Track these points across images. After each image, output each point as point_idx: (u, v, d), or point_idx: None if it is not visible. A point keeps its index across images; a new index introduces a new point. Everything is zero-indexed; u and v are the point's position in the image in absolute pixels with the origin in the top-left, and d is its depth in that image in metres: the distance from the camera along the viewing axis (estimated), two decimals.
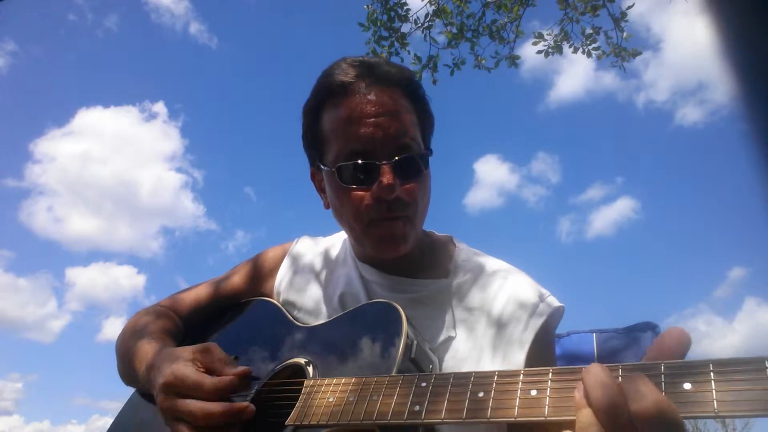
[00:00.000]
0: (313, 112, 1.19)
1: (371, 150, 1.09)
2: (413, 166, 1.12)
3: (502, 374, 0.74)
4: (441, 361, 1.06)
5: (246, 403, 0.93)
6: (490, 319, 1.11)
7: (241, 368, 0.97)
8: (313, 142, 1.21)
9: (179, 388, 0.93)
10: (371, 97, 1.11)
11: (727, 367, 0.59)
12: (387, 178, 1.07)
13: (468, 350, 1.09)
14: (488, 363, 1.07)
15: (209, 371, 0.98)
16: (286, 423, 0.91)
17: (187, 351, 1.01)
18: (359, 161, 1.09)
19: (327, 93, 1.16)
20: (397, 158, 1.09)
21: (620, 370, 0.64)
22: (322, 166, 1.17)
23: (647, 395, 0.58)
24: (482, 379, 0.75)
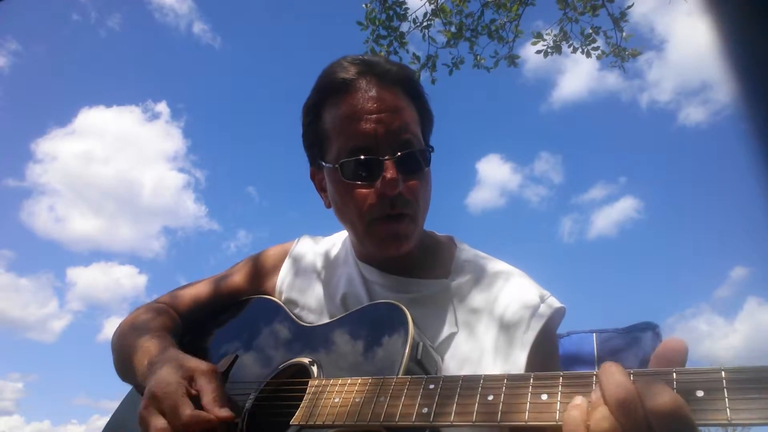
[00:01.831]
0: (313, 110, 1.19)
1: (374, 146, 1.09)
2: (415, 163, 1.12)
3: (512, 378, 0.74)
4: (442, 361, 1.05)
5: None
6: (492, 320, 1.11)
7: (225, 412, 0.92)
8: (314, 141, 1.20)
9: (160, 406, 0.93)
10: (372, 94, 1.11)
11: (739, 374, 0.59)
12: (390, 173, 1.07)
13: (469, 351, 1.09)
14: (489, 364, 1.06)
15: (198, 397, 0.95)
16: (290, 423, 0.91)
17: (187, 367, 0.98)
18: (362, 157, 1.09)
19: (328, 90, 1.16)
20: (399, 154, 1.09)
21: (632, 375, 0.64)
22: (324, 164, 1.17)
23: (663, 393, 0.59)
24: (492, 382, 0.75)
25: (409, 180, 1.11)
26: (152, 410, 0.93)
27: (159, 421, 0.92)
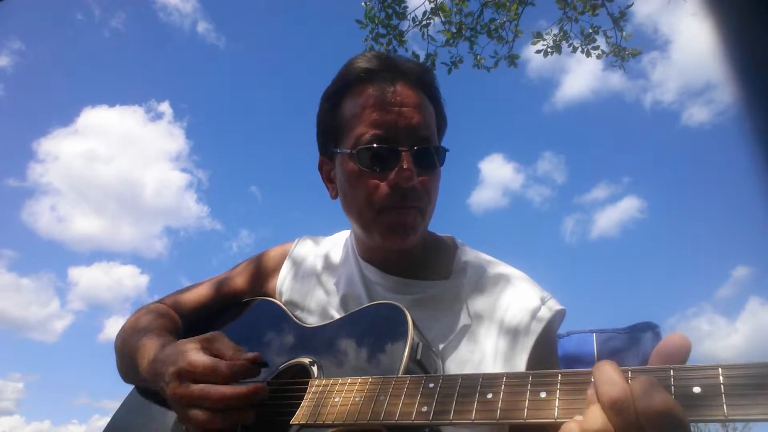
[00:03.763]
0: (333, 98, 1.21)
1: (393, 137, 1.11)
2: (430, 160, 1.14)
3: (511, 376, 0.74)
4: (442, 362, 1.06)
5: (260, 384, 0.94)
6: (492, 322, 1.12)
7: (252, 354, 0.99)
8: (330, 129, 1.21)
9: (194, 374, 0.94)
10: (395, 88, 1.13)
11: (736, 370, 0.59)
12: (407, 164, 1.08)
13: (469, 353, 1.09)
14: (489, 366, 1.07)
15: (219, 358, 0.99)
16: (291, 422, 0.91)
17: (194, 340, 1.02)
18: (380, 145, 1.10)
19: (351, 79, 1.18)
20: (416, 148, 1.11)
21: (629, 373, 0.64)
22: (338, 151, 1.18)
23: (655, 395, 0.58)
24: (491, 380, 0.75)
25: (423, 175, 1.12)
26: (186, 384, 0.94)
27: (197, 388, 0.93)
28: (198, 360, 0.95)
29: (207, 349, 1.00)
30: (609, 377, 0.62)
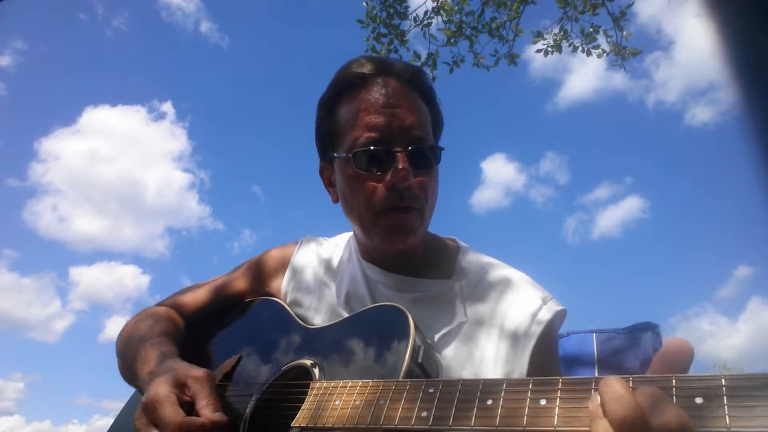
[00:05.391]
0: (329, 103, 1.22)
1: (387, 138, 1.12)
2: (426, 159, 1.15)
3: (511, 382, 0.74)
4: (443, 361, 1.06)
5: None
6: (493, 323, 1.12)
7: (217, 416, 0.91)
8: (327, 134, 1.23)
9: (150, 415, 0.93)
10: (388, 90, 1.15)
11: (739, 381, 0.59)
12: (402, 164, 1.09)
13: (469, 352, 1.09)
14: (490, 366, 1.07)
15: (192, 403, 0.95)
16: (291, 424, 0.91)
17: (180, 372, 0.98)
18: (376, 147, 1.11)
19: (345, 84, 1.19)
20: (411, 148, 1.12)
21: (630, 382, 0.64)
22: (335, 155, 1.19)
23: (666, 410, 0.58)
24: (491, 386, 0.75)
25: (420, 175, 1.13)
26: (144, 421, 0.94)
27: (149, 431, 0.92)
28: (160, 404, 0.92)
29: (186, 386, 0.96)
30: (617, 394, 0.61)
